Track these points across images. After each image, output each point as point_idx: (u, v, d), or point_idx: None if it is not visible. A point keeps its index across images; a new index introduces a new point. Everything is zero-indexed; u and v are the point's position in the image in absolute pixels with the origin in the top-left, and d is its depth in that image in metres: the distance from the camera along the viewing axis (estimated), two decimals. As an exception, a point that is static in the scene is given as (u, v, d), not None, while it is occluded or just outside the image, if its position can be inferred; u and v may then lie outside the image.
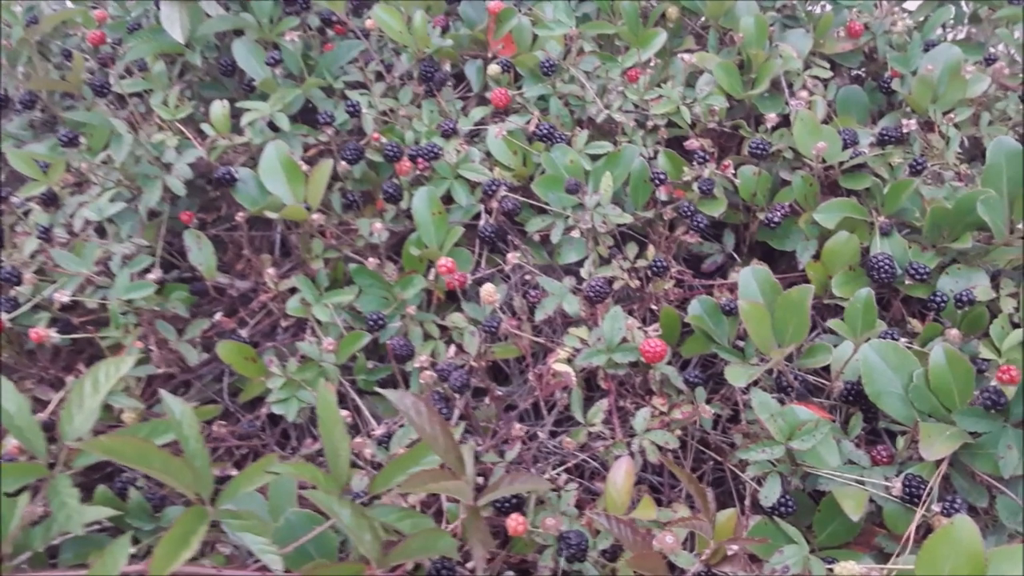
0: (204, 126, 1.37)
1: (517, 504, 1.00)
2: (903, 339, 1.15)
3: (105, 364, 0.89)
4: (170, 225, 1.38)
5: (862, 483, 1.02)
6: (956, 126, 1.40)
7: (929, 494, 1.00)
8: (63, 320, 1.19)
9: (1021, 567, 0.85)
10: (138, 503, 1.01)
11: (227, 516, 0.74)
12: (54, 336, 1.04)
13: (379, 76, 1.52)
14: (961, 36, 1.80)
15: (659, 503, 1.13)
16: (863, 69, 1.66)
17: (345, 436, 0.84)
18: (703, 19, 1.60)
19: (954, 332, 1.14)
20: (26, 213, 1.33)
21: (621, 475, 1.00)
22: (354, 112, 1.36)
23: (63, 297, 1.08)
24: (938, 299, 1.20)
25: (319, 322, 1.24)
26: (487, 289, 1.11)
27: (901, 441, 1.07)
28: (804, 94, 1.40)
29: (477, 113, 1.44)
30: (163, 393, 0.79)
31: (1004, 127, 1.48)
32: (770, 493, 1.01)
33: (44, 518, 0.93)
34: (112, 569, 0.73)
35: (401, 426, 1.14)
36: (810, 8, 1.61)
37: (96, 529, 1.02)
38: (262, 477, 0.79)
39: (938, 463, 1.02)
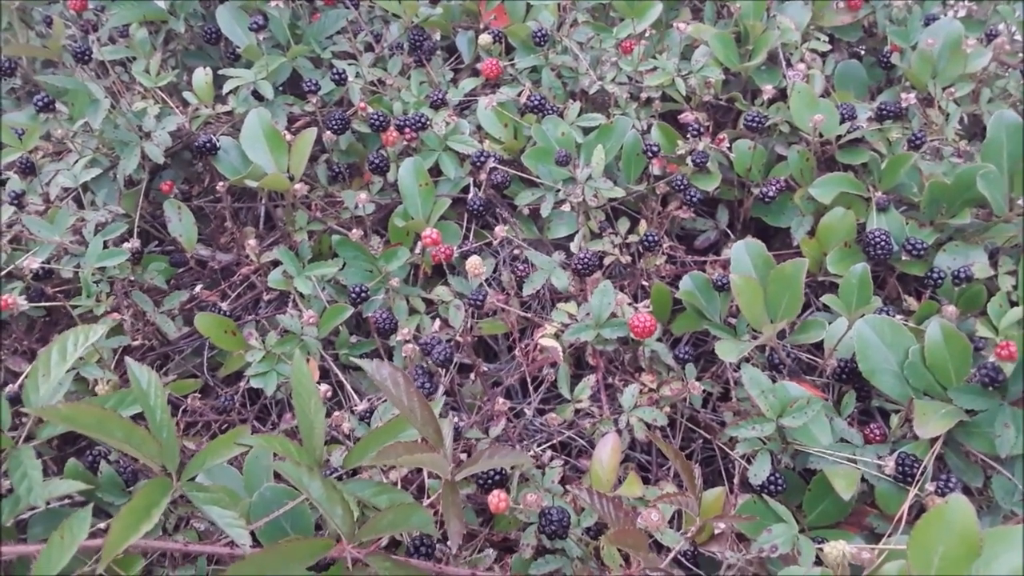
0: (187, 95, 1.34)
1: (500, 481, 0.98)
2: (899, 316, 1.12)
3: (74, 332, 0.87)
4: (152, 196, 1.35)
5: (854, 462, 1.00)
6: (956, 102, 1.37)
7: (923, 473, 0.97)
8: (37, 289, 1.16)
9: (1017, 548, 0.83)
10: (109, 477, 0.99)
11: (193, 489, 0.71)
12: (23, 304, 1.01)
13: (368, 47, 1.48)
14: (962, 14, 1.76)
15: (646, 482, 1.11)
16: (862, 44, 1.63)
17: (320, 409, 0.81)
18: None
19: (951, 309, 1.11)
20: (2, 182, 1.30)
21: (607, 452, 0.98)
22: (340, 81, 1.33)
23: (34, 264, 1.05)
24: (935, 276, 1.17)
25: (301, 295, 1.21)
26: (473, 262, 1.08)
27: (895, 419, 1.04)
28: (802, 67, 1.37)
29: (467, 84, 1.41)
30: (129, 361, 0.76)
31: (1004, 104, 1.45)
32: (759, 471, 0.99)
33: (12, 492, 0.90)
34: (71, 543, 0.70)
35: (383, 401, 1.11)
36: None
37: (68, 503, 1.00)
38: (232, 449, 0.76)
39: (932, 442, 1.00)
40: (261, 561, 0.64)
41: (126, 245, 1.12)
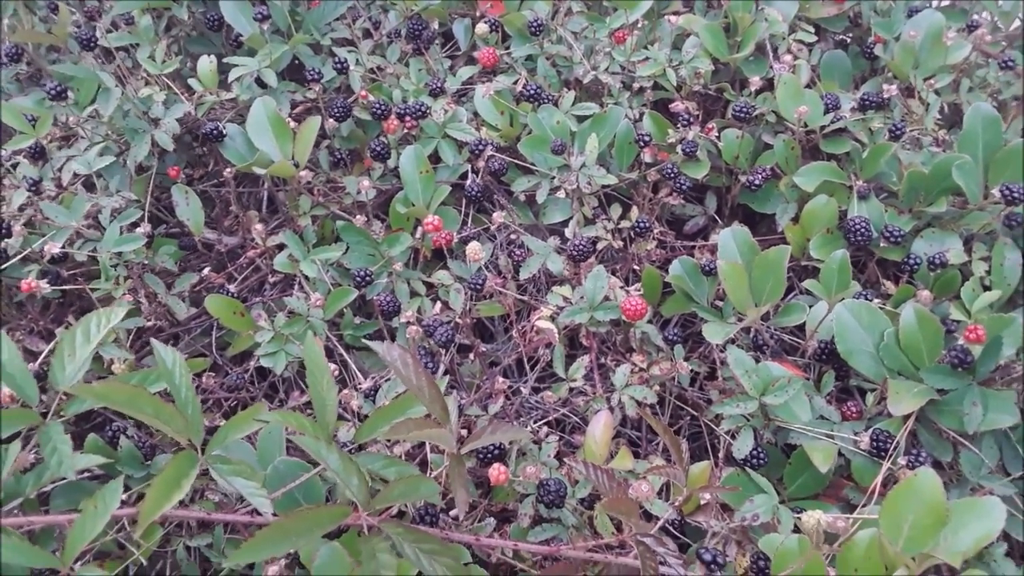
0: (191, 81, 1.37)
1: (499, 455, 1.04)
2: (877, 300, 1.19)
3: (96, 315, 0.91)
4: (157, 180, 1.39)
5: (832, 437, 1.06)
6: (936, 92, 1.42)
7: (896, 448, 1.04)
8: (52, 272, 1.20)
9: (982, 518, 0.89)
10: (129, 451, 1.04)
11: (217, 461, 0.77)
12: (44, 287, 1.05)
13: (367, 33, 1.52)
14: (946, 2, 1.81)
15: (636, 456, 1.17)
16: (848, 34, 1.67)
17: (332, 386, 0.86)
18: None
19: (925, 294, 1.17)
20: (13, 167, 1.34)
21: (600, 428, 1.04)
22: (342, 69, 1.37)
23: (54, 248, 1.09)
24: (912, 261, 1.23)
25: (307, 278, 1.26)
26: (473, 247, 1.13)
27: (871, 398, 1.11)
28: (788, 58, 1.41)
29: (465, 72, 1.45)
30: (154, 342, 0.81)
31: (983, 94, 1.50)
32: (743, 446, 1.05)
33: (35, 465, 0.95)
34: (104, 512, 0.76)
35: (387, 380, 1.17)
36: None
37: (87, 476, 1.05)
38: (251, 425, 0.81)
39: (905, 419, 1.06)
40: (286, 527, 0.69)
41: (139, 230, 1.16)
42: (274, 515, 0.82)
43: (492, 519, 1.00)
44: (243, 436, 0.86)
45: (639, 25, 1.45)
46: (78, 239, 1.18)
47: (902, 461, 1.03)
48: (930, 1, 1.76)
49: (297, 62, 1.47)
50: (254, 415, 0.81)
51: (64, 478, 0.95)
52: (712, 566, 0.83)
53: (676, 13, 1.51)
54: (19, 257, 1.15)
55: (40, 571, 0.97)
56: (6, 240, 1.17)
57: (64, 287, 1.13)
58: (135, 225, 1.20)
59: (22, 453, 0.98)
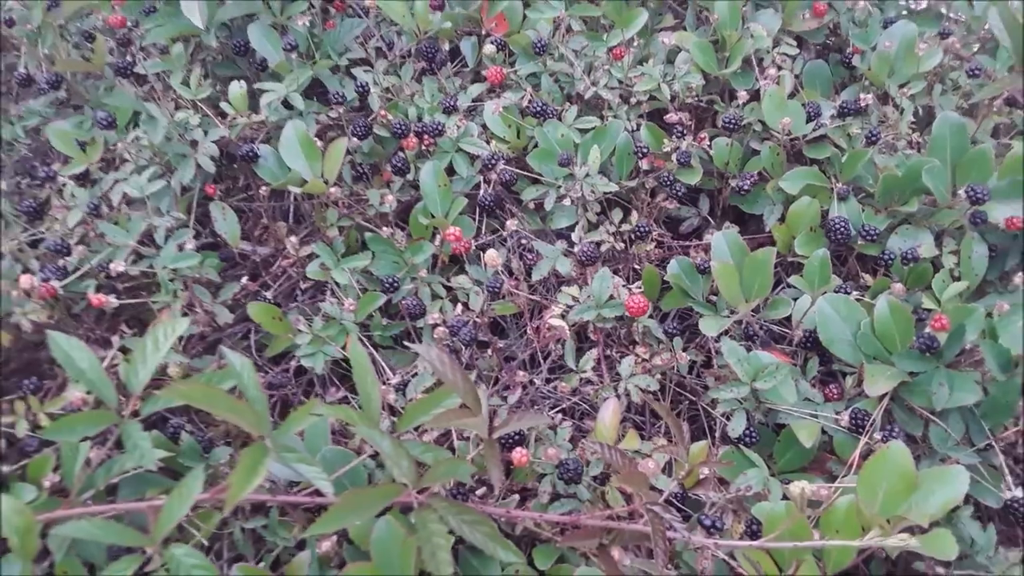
0: (223, 104, 1.49)
1: (520, 440, 1.16)
2: (856, 292, 1.31)
3: (163, 325, 1.03)
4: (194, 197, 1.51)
5: (816, 416, 1.19)
6: (910, 98, 1.54)
7: (872, 425, 1.17)
8: (107, 286, 1.32)
9: (948, 485, 1.02)
10: (190, 445, 1.16)
11: (284, 450, 0.89)
12: (112, 302, 1.17)
13: (379, 52, 1.63)
14: (923, 6, 1.92)
15: (641, 438, 1.29)
16: (828, 40, 1.79)
17: (376, 383, 0.98)
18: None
19: (898, 287, 1.30)
20: (59, 189, 1.45)
21: (609, 413, 1.16)
22: (364, 93, 1.49)
23: (119, 267, 1.21)
24: (887, 256, 1.35)
25: (338, 284, 1.38)
26: (491, 254, 1.26)
27: (850, 380, 1.24)
28: (773, 71, 1.54)
29: (475, 90, 1.57)
30: (224, 349, 0.93)
31: (955, 96, 1.62)
32: (737, 426, 1.18)
33: (102, 463, 1.07)
34: (188, 496, 0.88)
35: (414, 375, 1.29)
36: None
37: (146, 469, 1.17)
38: (309, 419, 0.94)
39: (880, 399, 1.19)
40: (349, 503, 0.82)
41: (189, 246, 1.28)
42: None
43: (516, 495, 1.13)
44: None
45: (635, 43, 1.57)
46: (131, 255, 1.30)
47: (878, 436, 1.15)
48: (908, 3, 1.89)
49: (316, 82, 1.58)
50: (310, 410, 0.93)
51: (127, 472, 1.08)
52: (712, 530, 0.96)
53: (669, 29, 1.63)
54: (79, 273, 1.27)
55: (117, 551, 1.10)
56: (66, 258, 1.29)
57: (127, 301, 1.25)
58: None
59: (97, 450, 1.11)
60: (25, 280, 1.18)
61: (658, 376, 1.28)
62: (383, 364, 1.36)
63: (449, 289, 1.42)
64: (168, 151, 1.39)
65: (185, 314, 1.29)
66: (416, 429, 1.19)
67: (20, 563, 0.99)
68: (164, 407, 1.00)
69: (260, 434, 0.88)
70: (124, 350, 1.24)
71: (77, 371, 1.01)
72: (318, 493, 0.99)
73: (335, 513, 0.81)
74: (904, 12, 1.86)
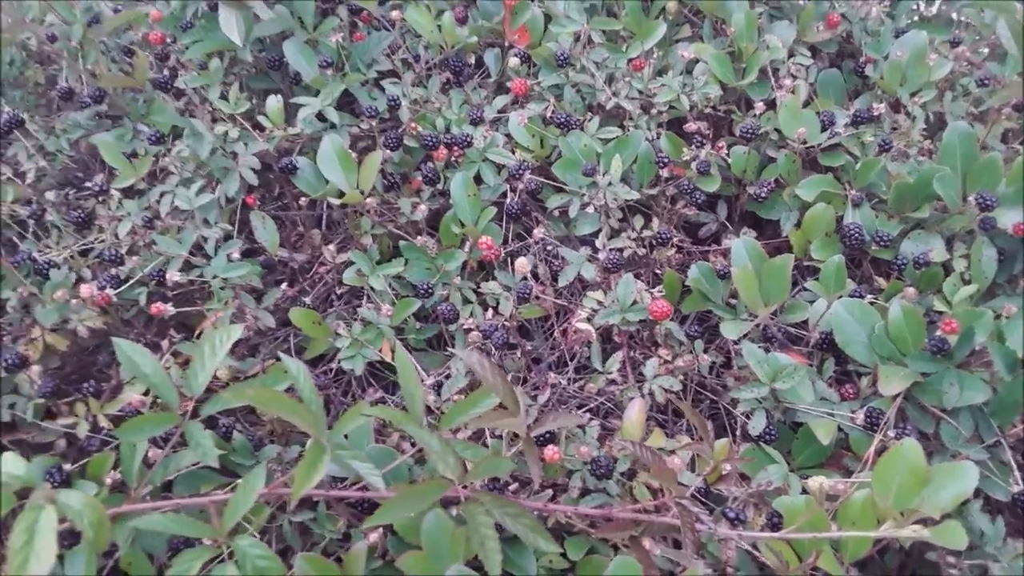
0: (260, 118, 1.56)
1: (551, 438, 1.23)
2: (870, 295, 1.37)
3: (219, 332, 1.10)
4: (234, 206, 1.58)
5: (832, 415, 1.25)
6: (922, 106, 1.60)
7: (886, 423, 1.23)
8: (156, 293, 1.40)
9: (958, 480, 1.08)
10: (242, 443, 1.24)
11: (339, 448, 0.96)
12: (170, 310, 1.25)
13: (405, 63, 1.70)
14: (933, 11, 1.97)
15: (665, 436, 1.36)
16: (842, 48, 1.84)
17: (419, 384, 1.05)
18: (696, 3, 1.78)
19: (911, 291, 1.36)
20: (105, 200, 1.52)
21: (635, 412, 1.23)
22: (395, 106, 1.55)
23: (175, 276, 1.29)
24: (900, 261, 1.41)
25: (373, 290, 1.45)
26: (520, 262, 1.32)
27: (865, 381, 1.30)
28: (788, 82, 1.59)
29: (500, 101, 1.63)
30: (282, 355, 1.00)
31: (965, 102, 1.68)
32: (757, 424, 1.24)
33: (155, 463, 1.14)
34: (252, 491, 0.95)
35: (446, 377, 1.36)
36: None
37: (200, 467, 1.24)
38: (358, 419, 1.00)
39: (894, 398, 1.25)
40: (403, 497, 0.89)
41: (235, 256, 1.35)
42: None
43: (549, 490, 1.19)
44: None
45: (654, 55, 1.63)
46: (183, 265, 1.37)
47: (892, 433, 1.21)
48: (919, 9, 1.94)
49: (347, 92, 1.65)
50: (360, 411, 1.00)
51: (181, 469, 1.15)
52: (735, 522, 1.02)
53: (688, 40, 1.69)
54: (133, 281, 1.34)
55: (176, 543, 1.17)
56: (119, 267, 1.36)
57: (183, 309, 1.32)
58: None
59: (157, 449, 1.18)
60: (85, 289, 1.25)
61: (680, 377, 1.35)
62: (416, 365, 1.43)
63: (478, 294, 1.49)
64: (211, 164, 1.45)
65: (233, 320, 1.36)
66: (451, 429, 1.26)
67: (86, 556, 1.07)
68: (223, 408, 1.07)
69: (316, 434, 0.95)
70: (175, 354, 1.31)
71: (142, 375, 1.08)
72: (364, 488, 1.07)
73: (390, 506, 0.88)
74: (915, 17, 1.91)
